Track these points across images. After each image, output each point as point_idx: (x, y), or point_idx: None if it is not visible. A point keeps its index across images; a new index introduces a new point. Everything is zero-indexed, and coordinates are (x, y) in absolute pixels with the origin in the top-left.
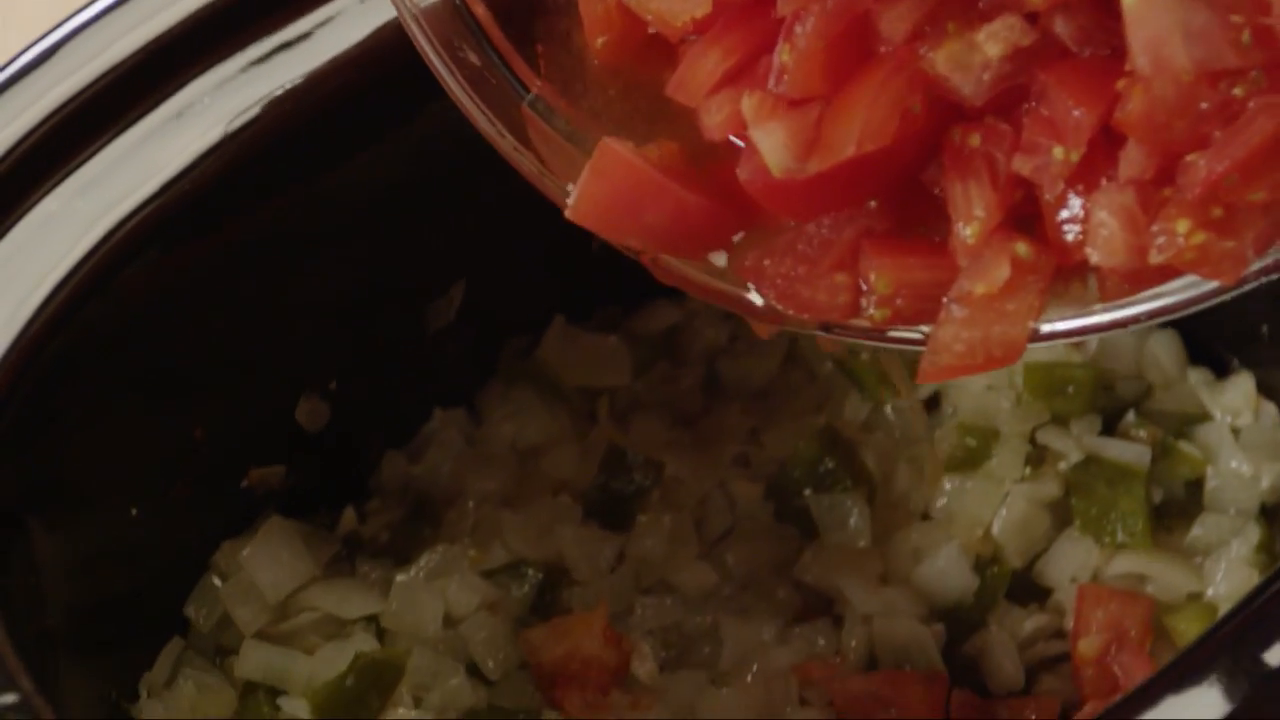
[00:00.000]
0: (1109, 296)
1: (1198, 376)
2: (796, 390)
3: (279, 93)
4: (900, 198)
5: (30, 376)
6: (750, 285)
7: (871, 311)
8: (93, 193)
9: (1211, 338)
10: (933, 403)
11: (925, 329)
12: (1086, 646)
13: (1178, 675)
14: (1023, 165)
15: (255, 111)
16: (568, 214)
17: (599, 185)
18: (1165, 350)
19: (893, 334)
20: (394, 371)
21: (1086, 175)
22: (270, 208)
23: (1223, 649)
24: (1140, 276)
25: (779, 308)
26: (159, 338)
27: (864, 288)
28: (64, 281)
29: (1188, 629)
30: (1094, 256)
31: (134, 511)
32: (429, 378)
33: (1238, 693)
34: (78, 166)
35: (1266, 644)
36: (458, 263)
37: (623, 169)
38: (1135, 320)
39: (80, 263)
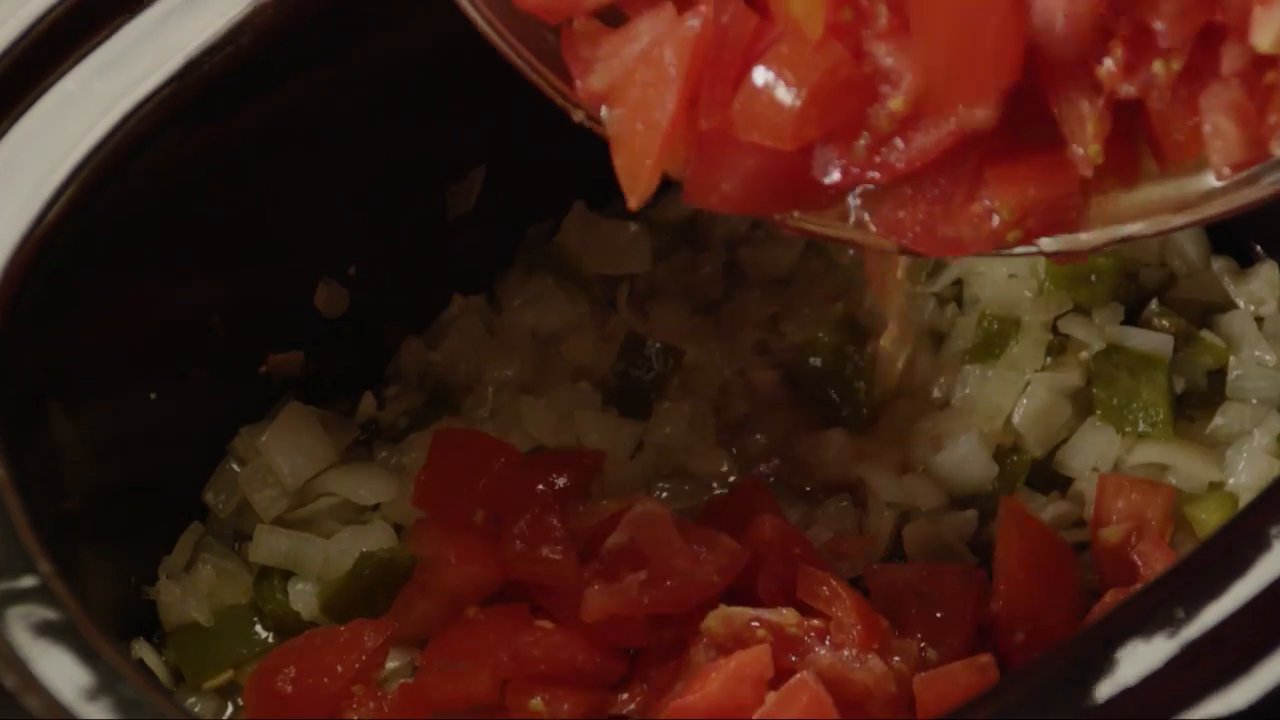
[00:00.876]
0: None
1: (1221, 265)
2: (816, 278)
3: None
4: (1009, 107)
5: (49, 259)
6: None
7: (1007, 236)
8: (112, 73)
9: (1236, 226)
10: (955, 291)
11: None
12: (1107, 535)
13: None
14: (1129, 88)
15: None
16: (683, 200)
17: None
18: (1189, 239)
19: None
20: (413, 258)
21: (1189, 78)
22: (290, 90)
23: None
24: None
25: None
26: (177, 221)
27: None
28: (83, 163)
29: (1209, 518)
30: (1214, 157)
31: (153, 396)
32: (448, 264)
33: None
34: (96, 46)
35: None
36: (478, 148)
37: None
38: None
39: (99, 144)
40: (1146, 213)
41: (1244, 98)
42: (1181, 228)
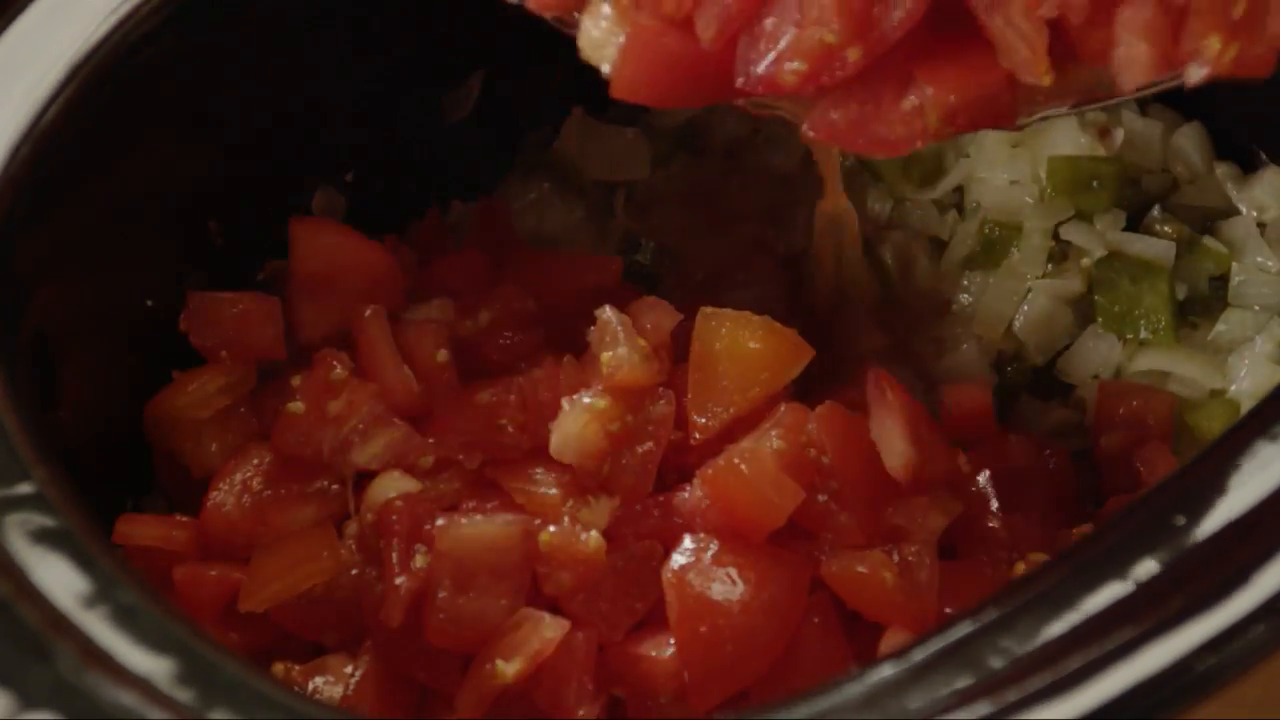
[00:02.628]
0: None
1: (1225, 171)
2: (817, 185)
3: None
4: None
5: (45, 161)
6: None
7: (939, 131)
8: None
9: (1239, 132)
10: (955, 198)
11: None
12: (1108, 443)
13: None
14: (1049, 9)
15: None
16: (612, 93)
17: (634, 68)
18: (1192, 144)
19: None
20: (410, 163)
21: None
22: None
23: None
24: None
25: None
26: (175, 126)
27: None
28: (79, 66)
29: (1210, 425)
30: (1124, 80)
31: (150, 304)
32: (446, 170)
33: None
34: None
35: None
36: (476, 52)
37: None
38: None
39: (96, 47)
40: (1066, 95)
41: (1158, 18)
42: (1100, 107)
